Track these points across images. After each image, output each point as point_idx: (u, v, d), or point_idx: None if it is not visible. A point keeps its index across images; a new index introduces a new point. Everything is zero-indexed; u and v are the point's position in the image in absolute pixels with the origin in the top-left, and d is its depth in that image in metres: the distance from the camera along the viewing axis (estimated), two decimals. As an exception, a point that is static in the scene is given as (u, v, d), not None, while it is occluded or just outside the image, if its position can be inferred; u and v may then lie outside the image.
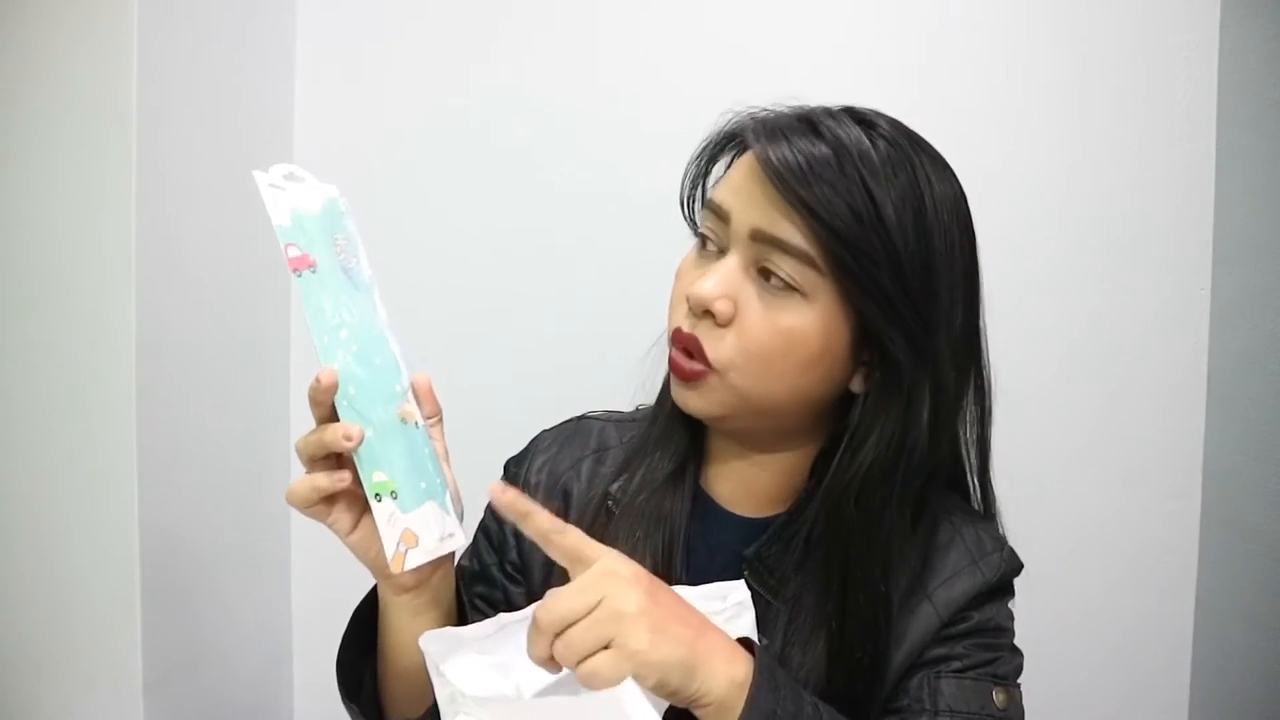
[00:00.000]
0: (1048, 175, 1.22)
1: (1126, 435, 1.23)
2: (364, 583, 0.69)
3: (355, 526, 0.63)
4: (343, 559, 0.65)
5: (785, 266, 0.63)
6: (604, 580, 0.54)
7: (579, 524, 0.60)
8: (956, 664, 0.67)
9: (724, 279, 0.64)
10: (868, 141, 0.63)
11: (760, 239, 0.64)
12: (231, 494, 1.26)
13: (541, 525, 0.57)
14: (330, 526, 0.62)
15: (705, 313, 0.65)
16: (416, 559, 0.61)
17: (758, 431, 0.70)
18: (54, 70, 1.06)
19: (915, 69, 1.23)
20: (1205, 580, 1.22)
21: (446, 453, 0.66)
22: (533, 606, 0.61)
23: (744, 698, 0.55)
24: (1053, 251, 1.22)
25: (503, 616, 0.63)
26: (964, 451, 0.73)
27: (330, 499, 0.61)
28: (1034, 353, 1.22)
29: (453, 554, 0.66)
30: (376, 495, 0.59)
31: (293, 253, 0.60)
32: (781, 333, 0.64)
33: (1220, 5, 1.18)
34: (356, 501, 0.62)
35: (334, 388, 0.58)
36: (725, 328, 0.64)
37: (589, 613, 0.53)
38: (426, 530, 0.61)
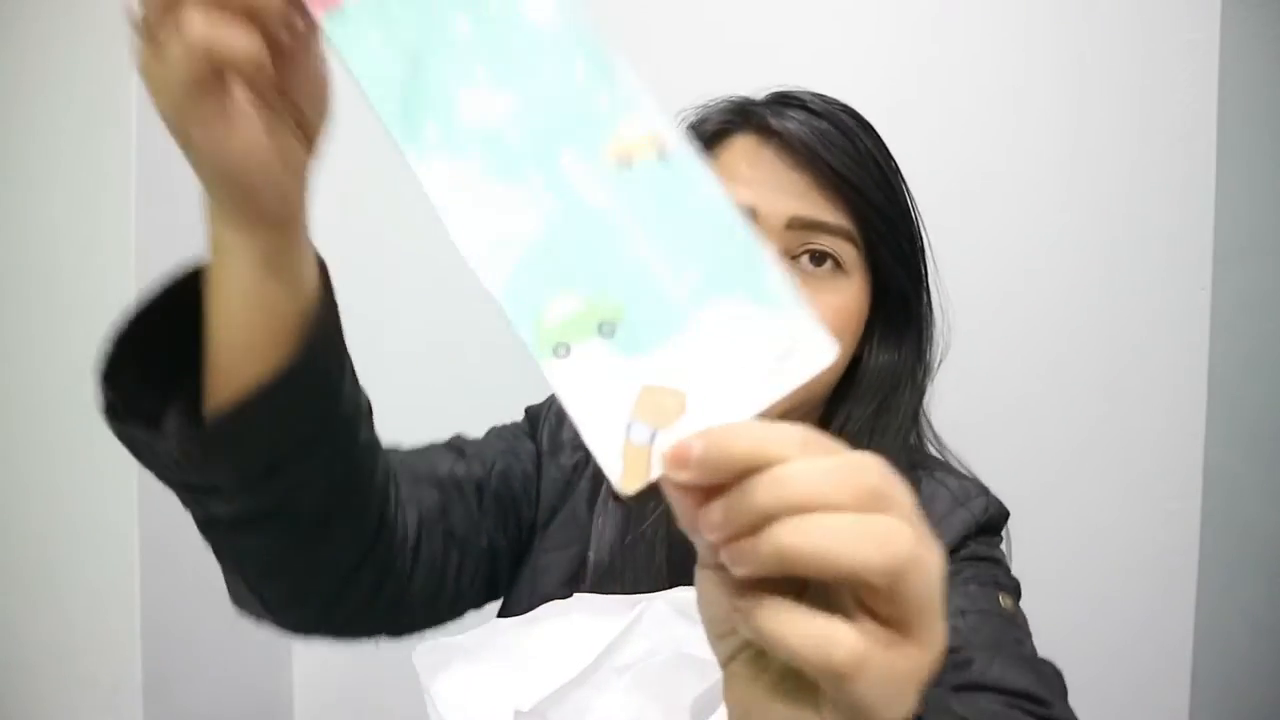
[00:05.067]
0: (1047, 174, 1.22)
1: (1126, 436, 1.23)
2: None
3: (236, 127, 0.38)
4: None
5: (831, 246, 0.64)
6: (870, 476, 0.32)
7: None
8: (958, 578, 0.65)
9: None
10: (838, 110, 0.66)
11: (800, 226, 0.64)
12: (231, 494, 1.25)
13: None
14: (204, 133, 0.38)
15: None
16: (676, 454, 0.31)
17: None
18: (54, 70, 1.06)
19: (915, 68, 1.23)
20: (1205, 580, 1.22)
21: None
22: (535, 611, 0.60)
23: None
24: (1052, 251, 1.22)
25: (499, 622, 0.62)
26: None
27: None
28: (1034, 353, 1.22)
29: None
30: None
31: None
32: (838, 313, 0.64)
33: (1222, 4, 1.17)
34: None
35: None
36: None
37: (855, 499, 0.31)
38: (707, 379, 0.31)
